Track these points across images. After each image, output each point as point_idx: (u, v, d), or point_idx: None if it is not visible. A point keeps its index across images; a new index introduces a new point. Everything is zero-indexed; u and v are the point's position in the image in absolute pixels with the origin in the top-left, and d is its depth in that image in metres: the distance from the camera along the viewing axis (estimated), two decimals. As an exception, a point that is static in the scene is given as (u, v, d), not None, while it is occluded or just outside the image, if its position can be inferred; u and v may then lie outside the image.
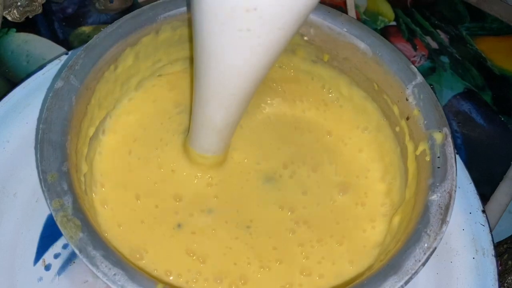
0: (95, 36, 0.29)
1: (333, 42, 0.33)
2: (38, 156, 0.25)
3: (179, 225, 0.30)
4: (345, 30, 0.32)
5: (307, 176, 0.32)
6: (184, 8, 0.31)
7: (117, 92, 0.32)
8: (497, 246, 0.37)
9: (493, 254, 0.32)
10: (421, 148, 0.29)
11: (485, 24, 0.51)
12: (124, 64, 0.31)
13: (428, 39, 0.49)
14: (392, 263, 0.25)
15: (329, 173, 0.33)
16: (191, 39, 0.33)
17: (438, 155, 0.28)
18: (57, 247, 0.32)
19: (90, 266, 0.23)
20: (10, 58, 0.42)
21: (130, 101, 0.33)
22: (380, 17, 0.50)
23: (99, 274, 0.23)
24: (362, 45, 0.32)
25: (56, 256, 0.31)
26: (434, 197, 0.26)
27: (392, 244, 0.27)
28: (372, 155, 0.33)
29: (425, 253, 0.25)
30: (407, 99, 0.30)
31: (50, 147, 0.26)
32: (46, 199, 0.25)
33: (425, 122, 0.29)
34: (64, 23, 0.45)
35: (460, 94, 0.46)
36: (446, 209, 0.26)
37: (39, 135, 0.26)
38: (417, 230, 0.26)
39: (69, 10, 0.46)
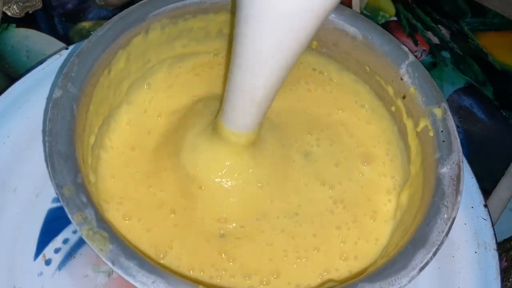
0: (86, 40, 0.29)
1: (322, 28, 0.33)
2: (50, 170, 0.25)
3: (222, 235, 0.29)
4: (333, 16, 0.32)
5: (329, 144, 0.33)
6: (172, 5, 0.31)
7: (111, 97, 0.31)
8: (504, 242, 0.37)
9: (495, 248, 0.32)
10: (422, 124, 0.30)
11: (486, 19, 0.51)
12: (116, 67, 0.30)
13: (429, 34, 0.49)
14: (417, 237, 0.25)
15: (347, 142, 0.33)
16: (178, 37, 0.33)
17: (441, 129, 0.29)
18: (57, 242, 0.31)
19: (126, 276, 0.23)
20: (10, 54, 0.42)
21: (127, 140, 0.32)
22: (381, 13, 0.50)
23: (137, 284, 0.23)
24: (351, 29, 0.32)
25: (57, 251, 0.31)
26: (444, 170, 0.27)
27: (409, 220, 0.28)
28: (375, 128, 0.34)
29: (446, 224, 0.26)
30: (401, 79, 0.31)
31: (60, 159, 0.25)
32: (67, 214, 0.24)
33: (423, 99, 0.30)
34: (64, 19, 0.45)
35: (462, 89, 0.46)
36: (458, 180, 0.27)
37: (47, 148, 0.25)
38: (434, 203, 0.26)
39: (69, 5, 0.46)
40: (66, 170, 0.25)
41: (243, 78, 0.26)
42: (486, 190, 0.39)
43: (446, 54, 0.48)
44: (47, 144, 0.26)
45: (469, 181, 0.34)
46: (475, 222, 0.33)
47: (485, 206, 0.34)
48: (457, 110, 0.44)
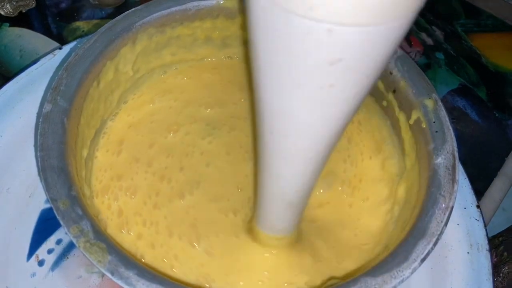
0: (73, 53, 0.29)
1: None
2: (44, 184, 0.25)
3: None
4: None
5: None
6: (158, 14, 0.31)
7: (101, 108, 0.31)
8: (493, 239, 0.37)
9: (487, 248, 0.32)
10: (414, 116, 0.30)
11: (480, 21, 0.51)
12: (105, 79, 0.30)
13: (424, 35, 0.49)
14: (416, 229, 0.25)
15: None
16: (166, 46, 0.33)
17: (434, 120, 0.29)
18: (50, 242, 0.31)
19: (126, 286, 0.22)
20: (3, 53, 0.42)
21: (122, 152, 0.32)
22: (375, 13, 0.50)
23: None
24: None
25: (50, 251, 0.31)
26: (439, 160, 0.27)
27: (408, 213, 0.28)
28: (364, 131, 0.34)
29: (444, 214, 0.26)
30: (391, 73, 0.31)
31: (53, 174, 0.25)
32: (63, 227, 0.24)
33: (414, 91, 0.30)
34: (57, 18, 0.45)
35: (455, 90, 0.46)
36: (453, 169, 0.27)
37: (39, 163, 0.25)
38: (431, 194, 0.26)
39: (63, 5, 0.45)
40: (60, 183, 0.25)
41: (273, 184, 0.24)
42: (479, 191, 0.40)
43: (440, 55, 0.48)
44: (39, 159, 0.25)
45: (462, 182, 0.35)
46: (467, 223, 0.33)
47: (478, 207, 0.34)
48: (450, 111, 0.45)
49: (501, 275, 0.34)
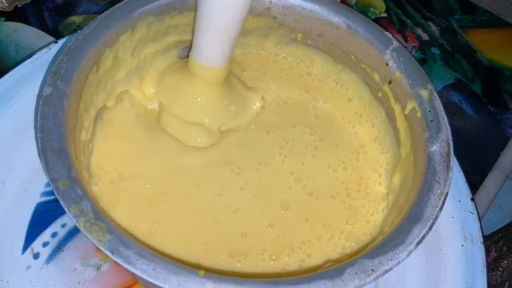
0: (73, 39, 0.29)
1: (306, 20, 0.34)
2: (44, 165, 0.25)
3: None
4: (317, 7, 0.33)
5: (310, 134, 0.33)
6: (158, 2, 0.31)
7: (100, 95, 0.31)
8: (492, 235, 0.38)
9: (482, 241, 0.33)
10: (409, 106, 0.30)
11: (475, 17, 0.51)
12: (104, 65, 0.30)
13: (419, 30, 0.49)
14: (412, 214, 0.26)
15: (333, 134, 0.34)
16: (165, 34, 0.33)
17: (429, 109, 0.29)
18: (45, 235, 0.31)
19: (126, 265, 0.23)
20: (-1, 48, 0.42)
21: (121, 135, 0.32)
22: (371, 9, 0.50)
23: (138, 272, 0.23)
24: (335, 19, 0.33)
25: (45, 244, 0.31)
26: (434, 148, 0.28)
27: (403, 200, 0.28)
28: (360, 122, 0.34)
29: (440, 199, 0.26)
30: (387, 64, 0.31)
31: (54, 155, 0.25)
32: (63, 207, 0.24)
33: (409, 82, 0.30)
34: (53, 13, 0.45)
35: (451, 85, 0.46)
36: (448, 156, 0.28)
37: (40, 145, 0.26)
38: (426, 180, 0.27)
39: (59, 0, 0.45)
40: (60, 164, 0.25)
41: (203, 11, 0.29)
42: (474, 185, 0.40)
43: (435, 51, 0.48)
44: (39, 141, 0.26)
45: (456, 175, 0.35)
46: (462, 216, 0.34)
47: (472, 200, 0.34)
48: (445, 105, 0.45)
49: (500, 269, 0.34)
